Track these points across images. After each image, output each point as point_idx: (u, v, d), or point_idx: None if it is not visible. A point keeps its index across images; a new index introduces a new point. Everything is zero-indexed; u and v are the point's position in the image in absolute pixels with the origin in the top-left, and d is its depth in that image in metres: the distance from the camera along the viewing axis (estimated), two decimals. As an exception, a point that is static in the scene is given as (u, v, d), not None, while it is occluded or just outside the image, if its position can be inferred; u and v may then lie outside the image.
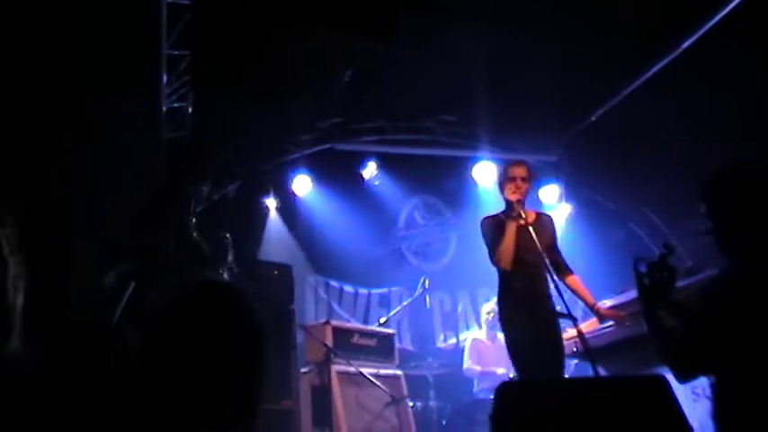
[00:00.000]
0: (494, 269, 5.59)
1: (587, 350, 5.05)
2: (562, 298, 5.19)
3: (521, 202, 5.46)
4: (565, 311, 5.16)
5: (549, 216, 5.91)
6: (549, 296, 5.50)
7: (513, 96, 7.95)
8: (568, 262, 5.72)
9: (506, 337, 5.48)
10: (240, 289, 1.91)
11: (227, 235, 5.40)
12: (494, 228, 5.56)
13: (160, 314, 1.84)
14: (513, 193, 5.47)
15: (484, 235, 5.62)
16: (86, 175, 6.63)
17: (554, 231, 5.77)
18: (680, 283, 5.09)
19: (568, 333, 5.71)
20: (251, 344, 1.85)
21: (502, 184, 5.59)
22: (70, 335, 2.08)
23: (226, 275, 5.23)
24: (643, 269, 3.18)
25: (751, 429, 2.74)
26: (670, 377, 3.06)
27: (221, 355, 1.79)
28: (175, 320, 1.81)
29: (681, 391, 3.10)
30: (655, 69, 7.34)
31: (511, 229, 5.40)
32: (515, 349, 5.38)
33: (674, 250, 3.22)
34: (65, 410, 1.89)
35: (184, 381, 1.76)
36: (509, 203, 5.51)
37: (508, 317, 5.47)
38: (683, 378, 3.04)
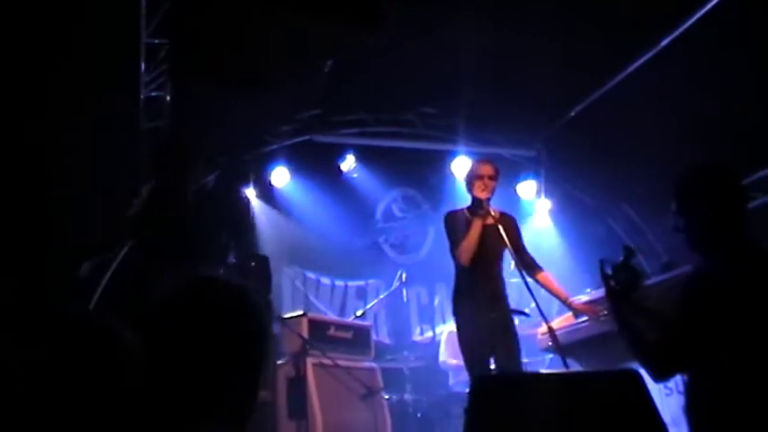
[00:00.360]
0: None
1: (557, 346, 5.11)
2: (533, 297, 5.23)
3: (489, 200, 5.54)
4: (537, 310, 5.22)
5: (513, 216, 5.95)
6: (506, 296, 5.62)
7: (494, 90, 7.96)
8: (547, 257, 5.76)
9: (462, 336, 5.50)
10: (243, 286, 1.89)
11: (227, 233, 5.46)
12: (458, 223, 5.63)
13: (159, 310, 1.83)
14: (483, 190, 5.52)
15: (448, 230, 5.69)
16: (63, 165, 6.58)
17: (519, 230, 5.83)
18: (656, 279, 5.16)
19: (543, 328, 5.75)
20: (252, 341, 1.84)
21: (470, 182, 5.63)
22: (65, 330, 2.07)
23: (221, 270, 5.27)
24: (609, 271, 3.22)
25: (726, 425, 2.76)
26: (643, 372, 3.08)
27: (220, 352, 1.78)
28: (175, 317, 1.80)
29: (653, 385, 3.12)
30: (635, 65, 7.36)
31: (477, 225, 5.47)
32: (470, 351, 5.40)
33: (635, 253, 3.26)
34: (60, 407, 1.88)
35: (182, 376, 1.75)
36: (477, 201, 5.57)
37: (466, 319, 5.49)
38: (661, 377, 3.06)
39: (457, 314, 5.58)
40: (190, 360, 1.75)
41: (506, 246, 5.45)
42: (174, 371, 1.75)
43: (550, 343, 5.54)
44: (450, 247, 5.66)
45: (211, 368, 1.76)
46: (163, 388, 1.73)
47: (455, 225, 5.64)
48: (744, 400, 2.72)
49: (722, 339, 2.77)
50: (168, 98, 7.08)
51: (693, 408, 2.89)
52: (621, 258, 3.22)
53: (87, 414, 1.60)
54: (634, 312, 3.18)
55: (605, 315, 5.21)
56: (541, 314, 5.22)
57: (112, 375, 1.73)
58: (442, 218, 5.78)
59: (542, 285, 5.61)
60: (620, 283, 3.19)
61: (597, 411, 2.99)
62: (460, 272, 5.59)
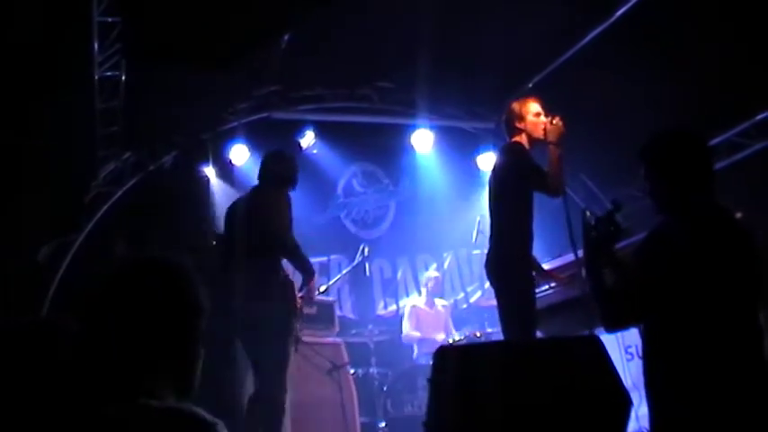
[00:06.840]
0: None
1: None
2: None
3: None
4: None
5: None
6: None
7: (451, 62, 7.96)
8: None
9: (526, 294, 4.75)
10: (180, 263, 1.91)
11: None
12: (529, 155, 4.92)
13: (99, 289, 1.85)
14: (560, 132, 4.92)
15: (525, 161, 4.92)
16: (17, 147, 6.49)
17: None
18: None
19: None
20: (186, 313, 1.88)
21: (524, 120, 5.08)
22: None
23: None
24: (591, 222, 3.24)
25: (678, 387, 2.81)
26: (604, 337, 3.14)
27: (156, 328, 1.82)
28: (112, 295, 1.83)
29: (615, 350, 3.18)
30: (592, 35, 7.40)
31: (556, 151, 4.87)
32: (531, 317, 4.69)
33: (622, 207, 3.27)
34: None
35: (119, 347, 1.78)
36: (544, 134, 4.95)
37: (529, 281, 4.84)
38: (612, 327, 3.11)
39: (527, 276, 4.85)
40: (125, 331, 1.79)
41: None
42: (111, 342, 1.78)
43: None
44: (528, 181, 4.88)
45: (145, 339, 1.80)
46: (103, 361, 1.77)
47: (529, 155, 4.88)
48: (694, 357, 2.77)
49: (673, 294, 2.82)
50: (123, 77, 6.98)
51: (649, 368, 2.94)
52: (608, 210, 3.23)
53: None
54: (607, 263, 3.21)
55: (567, 282, 5.27)
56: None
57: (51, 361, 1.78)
58: (509, 149, 5.00)
59: None
60: (601, 234, 3.20)
61: (559, 377, 3.04)
62: (521, 228, 4.92)
